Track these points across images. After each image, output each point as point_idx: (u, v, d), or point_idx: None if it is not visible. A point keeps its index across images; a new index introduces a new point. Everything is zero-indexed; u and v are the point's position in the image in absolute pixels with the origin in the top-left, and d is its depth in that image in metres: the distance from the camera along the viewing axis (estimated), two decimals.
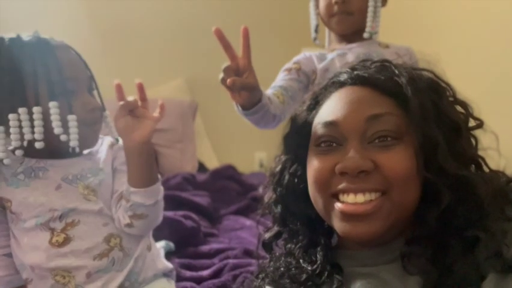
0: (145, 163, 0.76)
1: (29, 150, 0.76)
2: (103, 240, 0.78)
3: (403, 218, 0.58)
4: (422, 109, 0.57)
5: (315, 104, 0.66)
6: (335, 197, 0.58)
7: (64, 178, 0.78)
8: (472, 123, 0.63)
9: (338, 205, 0.57)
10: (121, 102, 0.78)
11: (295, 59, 1.11)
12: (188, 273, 0.96)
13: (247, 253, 1.05)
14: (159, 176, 0.81)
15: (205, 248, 1.12)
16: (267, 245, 0.70)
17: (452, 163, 0.56)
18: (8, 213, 0.77)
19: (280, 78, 1.06)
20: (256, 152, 2.32)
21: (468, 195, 0.56)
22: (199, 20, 2.23)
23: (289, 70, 1.07)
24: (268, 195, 0.70)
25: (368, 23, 1.05)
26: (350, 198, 0.56)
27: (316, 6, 1.12)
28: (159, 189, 0.79)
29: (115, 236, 0.79)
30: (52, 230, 0.76)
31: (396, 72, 0.60)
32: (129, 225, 0.78)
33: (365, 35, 1.06)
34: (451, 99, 0.62)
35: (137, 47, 2.13)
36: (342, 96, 0.62)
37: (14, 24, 1.92)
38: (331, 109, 0.61)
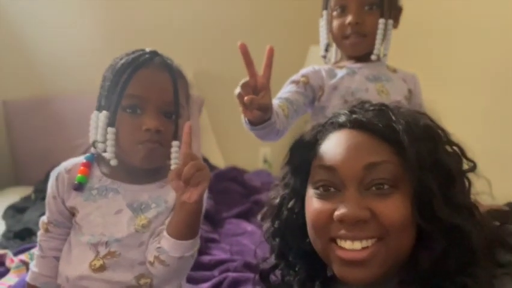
0: (186, 219, 0.73)
1: (112, 172, 0.81)
2: (133, 278, 0.79)
3: (398, 262, 0.60)
4: (418, 158, 0.59)
5: (314, 142, 0.67)
6: (333, 241, 0.61)
7: (129, 204, 0.80)
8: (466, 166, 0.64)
9: (336, 251, 0.60)
10: (173, 165, 0.75)
11: (303, 71, 1.10)
12: (187, 286, 0.99)
13: (247, 266, 1.08)
14: (198, 237, 0.76)
15: (205, 258, 1.14)
16: (265, 276, 0.72)
17: (446, 211, 0.59)
18: (73, 221, 0.81)
19: (287, 90, 1.05)
20: (261, 147, 2.34)
21: (460, 242, 0.59)
22: (207, 16, 2.21)
23: (296, 82, 1.06)
24: (266, 226, 0.73)
25: (377, 45, 1.04)
26: (348, 244, 0.59)
27: (329, 25, 1.10)
28: (190, 247, 0.75)
29: (145, 277, 0.79)
30: (97, 253, 0.79)
31: (394, 118, 0.62)
32: (151, 264, 0.77)
33: (373, 57, 1.05)
34: (445, 141, 0.63)
35: (144, 42, 2.12)
36: (341, 140, 0.63)
37: (20, 23, 1.94)
38: (330, 152, 0.63)
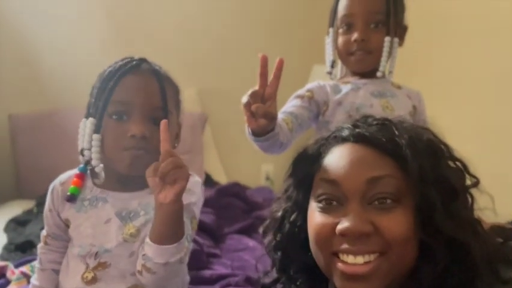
0: (165, 222, 0.71)
1: (103, 181, 0.80)
2: None
3: (400, 276, 0.60)
4: (421, 172, 0.59)
5: (318, 156, 0.68)
6: (336, 255, 0.61)
7: (118, 213, 0.79)
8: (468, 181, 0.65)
9: (338, 265, 0.60)
10: (153, 165, 0.72)
11: (308, 86, 1.11)
12: None
13: (249, 281, 1.07)
14: (185, 241, 0.74)
15: (206, 273, 1.14)
16: None
17: (448, 226, 0.59)
18: (68, 233, 0.81)
19: (292, 105, 1.06)
20: (263, 164, 2.34)
21: (463, 257, 0.59)
22: (211, 34, 2.25)
23: (301, 97, 1.07)
24: (268, 240, 0.72)
25: (382, 62, 1.05)
26: (350, 259, 0.59)
27: (334, 42, 1.11)
28: (175, 252, 0.72)
29: (139, 287, 0.78)
30: (87, 265, 0.78)
31: (397, 133, 0.62)
32: (139, 273, 0.75)
33: (378, 74, 1.06)
34: (448, 156, 0.64)
35: (148, 57, 2.16)
36: (343, 154, 0.63)
37: (26, 38, 1.97)
38: (333, 166, 0.63)
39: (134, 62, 0.79)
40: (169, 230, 0.72)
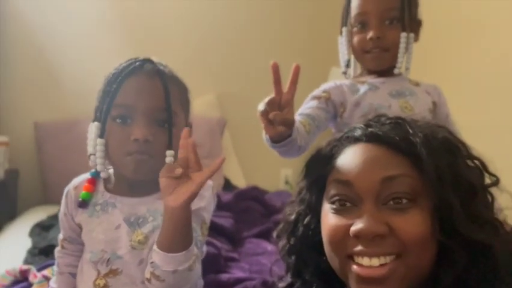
0: (173, 228, 0.69)
1: (113, 186, 0.80)
2: None
3: (418, 279, 0.58)
4: (437, 171, 0.58)
5: (330, 157, 0.66)
6: (351, 258, 0.59)
7: (126, 219, 0.77)
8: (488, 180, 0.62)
9: (353, 268, 0.58)
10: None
11: (325, 86, 1.09)
12: None
13: (266, 285, 1.06)
14: (194, 249, 0.72)
15: (224, 276, 1.14)
16: None
17: (467, 226, 0.57)
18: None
19: (309, 106, 1.05)
20: (282, 168, 2.33)
21: (483, 258, 0.56)
22: (230, 38, 2.26)
23: (318, 98, 1.05)
24: (282, 244, 0.72)
25: (399, 59, 1.03)
26: (365, 261, 0.57)
27: (349, 42, 1.10)
28: (183, 260, 0.70)
29: None
30: (98, 272, 0.77)
31: (411, 131, 0.61)
32: (148, 281, 0.73)
33: (396, 71, 1.04)
34: (465, 155, 0.62)
35: (168, 62, 2.19)
36: (356, 154, 0.62)
37: (50, 49, 2.03)
38: (346, 167, 0.62)
39: (137, 63, 0.77)
40: (176, 237, 0.70)
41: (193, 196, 0.68)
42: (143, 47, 2.14)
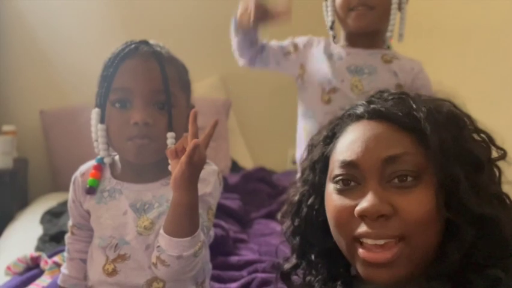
0: (177, 212, 0.69)
1: (120, 172, 0.80)
2: (144, 283, 0.77)
3: (425, 257, 0.58)
4: (441, 146, 0.56)
5: (332, 136, 0.65)
6: (357, 240, 0.58)
7: (131, 205, 0.77)
8: (495, 153, 0.61)
9: (360, 251, 0.58)
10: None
11: (298, 39, 1.16)
12: (217, 286, 1.00)
13: (275, 267, 1.07)
14: (200, 235, 0.72)
15: (234, 258, 1.14)
16: (286, 276, 0.71)
17: (474, 201, 0.55)
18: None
19: (278, 44, 1.17)
20: (289, 148, 2.31)
21: (491, 233, 0.55)
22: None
23: (284, 49, 1.16)
24: (287, 225, 0.71)
25: (392, 21, 0.98)
26: (370, 241, 0.57)
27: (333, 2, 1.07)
28: (188, 246, 0.70)
29: (158, 281, 0.76)
30: (107, 257, 0.78)
31: (414, 106, 0.59)
32: (154, 265, 0.74)
33: (388, 34, 1.00)
34: (471, 129, 0.60)
35: (170, 46, 2.17)
36: (359, 132, 0.61)
37: (55, 38, 2.02)
38: (349, 146, 0.61)
39: (132, 46, 0.76)
40: (183, 222, 0.70)
41: (182, 174, 0.67)
42: (145, 31, 2.11)
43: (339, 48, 1.07)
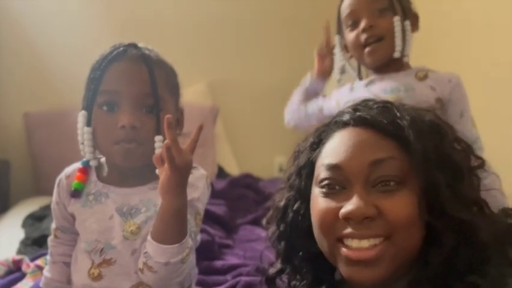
0: (167, 219, 0.69)
1: (106, 175, 0.79)
2: (131, 287, 0.76)
3: (407, 260, 0.59)
4: (424, 153, 0.58)
5: (318, 142, 0.67)
6: (340, 241, 0.60)
7: (118, 209, 0.77)
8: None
9: (343, 250, 0.59)
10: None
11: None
12: None
13: (260, 271, 1.07)
14: (188, 241, 0.72)
15: (218, 263, 1.14)
16: (270, 281, 0.72)
17: (454, 207, 0.57)
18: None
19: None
20: (276, 156, 2.33)
21: (470, 239, 0.57)
22: (222, 26, 2.24)
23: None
24: (272, 230, 0.72)
25: (397, 42, 1.01)
26: (355, 243, 0.58)
27: (342, 48, 1.13)
28: (176, 253, 0.70)
29: (144, 286, 0.76)
30: (92, 261, 0.77)
31: (398, 114, 0.61)
32: (141, 271, 0.73)
33: (396, 54, 1.02)
34: (452, 138, 0.62)
35: (160, 52, 2.17)
36: (345, 138, 0.62)
37: (40, 40, 2.00)
38: (334, 151, 0.62)
39: (120, 49, 0.76)
40: (171, 229, 0.69)
41: (169, 180, 0.67)
42: (134, 35, 2.11)
43: (370, 76, 1.10)
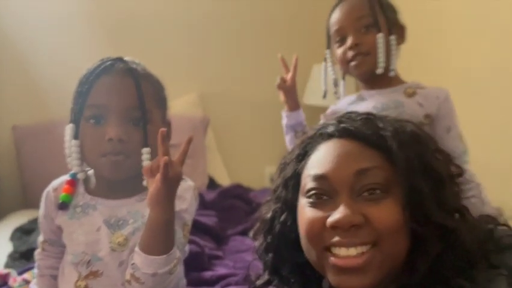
0: (155, 231, 0.70)
1: (94, 188, 0.79)
2: None
3: (394, 268, 0.60)
4: (407, 162, 0.60)
5: (304, 154, 0.68)
6: (328, 249, 0.60)
7: (105, 221, 0.77)
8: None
9: (331, 259, 0.60)
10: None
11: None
12: None
13: (248, 280, 1.07)
14: (176, 252, 0.73)
15: (207, 274, 1.14)
16: None
17: (438, 214, 0.59)
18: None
19: None
20: (266, 166, 2.34)
21: (454, 245, 0.59)
22: (213, 38, 2.26)
23: None
24: (259, 242, 0.72)
25: (380, 59, 1.04)
26: (342, 251, 0.59)
27: (333, 62, 1.15)
28: (164, 264, 0.70)
29: None
30: (79, 274, 0.77)
31: (381, 125, 0.62)
32: (128, 282, 0.73)
33: (378, 70, 1.05)
34: (433, 148, 0.64)
35: (151, 65, 2.18)
36: (330, 149, 0.64)
37: (29, 52, 2.00)
38: (320, 162, 0.63)
39: (108, 63, 0.77)
40: (158, 240, 0.70)
41: (158, 192, 0.68)
42: (124, 48, 2.12)
43: (362, 91, 1.13)
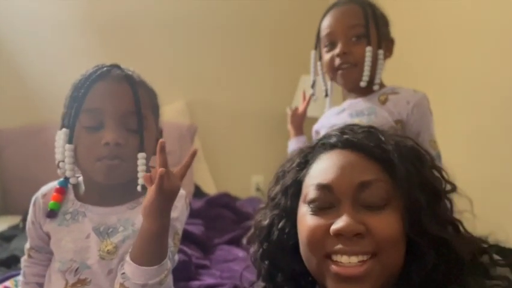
0: (143, 239, 0.69)
1: (84, 194, 0.78)
2: None
3: (391, 277, 0.62)
4: (407, 175, 0.62)
5: (305, 163, 0.69)
6: (329, 257, 0.61)
7: (95, 228, 0.77)
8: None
9: (332, 267, 0.60)
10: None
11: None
12: None
13: None
14: (167, 263, 0.72)
15: (194, 284, 1.12)
16: None
17: (433, 226, 0.61)
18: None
19: None
20: (253, 175, 2.34)
21: (449, 255, 0.61)
22: (200, 46, 2.26)
23: None
24: (254, 249, 0.72)
25: (365, 72, 1.05)
26: (344, 259, 0.60)
27: (316, 63, 1.17)
28: (155, 274, 0.70)
29: None
30: (66, 281, 0.76)
31: (383, 139, 0.65)
32: None
33: (361, 83, 1.06)
34: (430, 164, 0.67)
35: (139, 71, 2.16)
36: (334, 159, 0.65)
37: (14, 54, 1.97)
38: (324, 172, 0.64)
39: (104, 69, 0.77)
40: (150, 250, 0.70)
41: (152, 202, 0.68)
42: (112, 53, 2.11)
43: (346, 101, 1.15)
